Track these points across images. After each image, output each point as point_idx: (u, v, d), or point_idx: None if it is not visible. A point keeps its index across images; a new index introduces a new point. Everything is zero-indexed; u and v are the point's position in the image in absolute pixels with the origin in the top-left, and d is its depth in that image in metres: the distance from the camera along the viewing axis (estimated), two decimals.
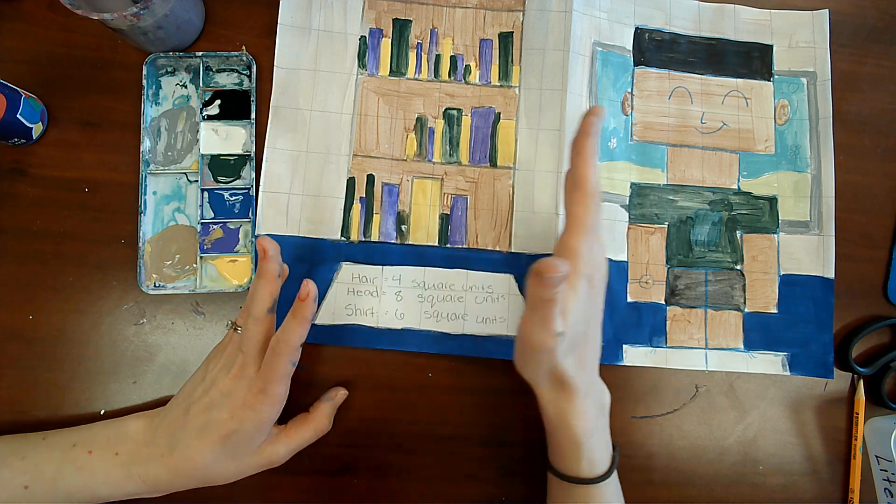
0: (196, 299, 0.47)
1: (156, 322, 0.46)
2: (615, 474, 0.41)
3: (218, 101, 0.48)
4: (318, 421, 0.44)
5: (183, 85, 0.48)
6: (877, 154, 0.52)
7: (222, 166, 0.47)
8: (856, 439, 0.49)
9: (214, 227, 0.47)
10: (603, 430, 0.41)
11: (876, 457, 0.49)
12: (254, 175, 0.47)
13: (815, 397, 0.50)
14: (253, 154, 0.47)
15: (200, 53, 0.47)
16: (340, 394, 0.45)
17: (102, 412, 0.45)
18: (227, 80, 0.48)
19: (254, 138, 0.47)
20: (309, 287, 0.38)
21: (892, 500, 0.48)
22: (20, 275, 0.45)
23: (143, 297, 0.46)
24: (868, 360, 0.50)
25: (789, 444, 0.49)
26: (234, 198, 0.47)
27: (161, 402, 0.45)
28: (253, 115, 0.47)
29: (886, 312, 0.51)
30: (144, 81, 0.46)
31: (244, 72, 0.48)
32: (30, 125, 0.44)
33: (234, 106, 0.48)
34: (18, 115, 0.43)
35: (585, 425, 0.39)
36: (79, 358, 0.45)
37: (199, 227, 0.46)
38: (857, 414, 0.49)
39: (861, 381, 0.50)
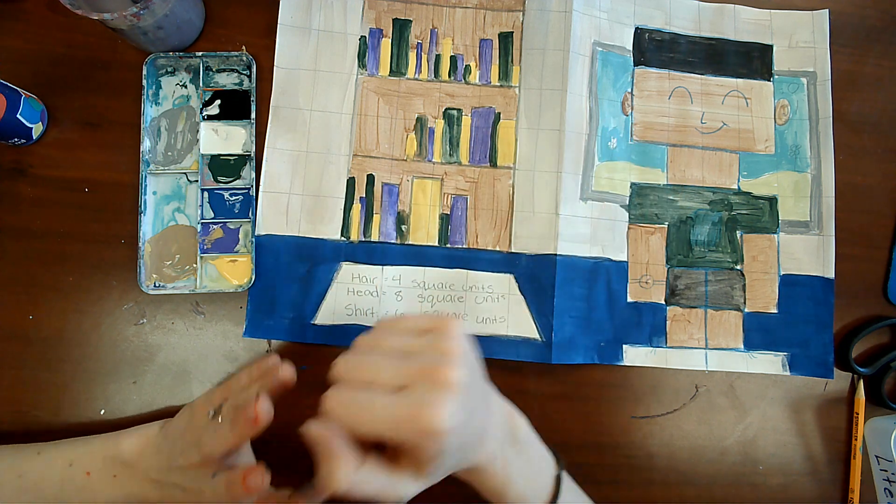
0: (196, 299, 0.47)
1: (156, 322, 0.46)
2: (568, 483, 0.37)
3: (218, 101, 0.48)
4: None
5: (183, 85, 0.48)
6: (877, 154, 0.52)
7: (222, 166, 0.47)
8: (856, 439, 0.49)
9: (214, 227, 0.47)
10: (517, 455, 0.35)
11: (876, 457, 0.49)
12: (254, 175, 0.47)
13: (815, 397, 0.50)
14: (253, 154, 0.47)
15: (200, 53, 0.47)
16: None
17: (102, 412, 0.45)
18: (227, 80, 0.48)
19: (254, 138, 0.47)
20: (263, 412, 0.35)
21: (892, 500, 0.48)
22: (20, 275, 0.45)
23: (143, 297, 0.46)
24: (868, 360, 0.50)
25: (789, 444, 0.49)
26: (234, 198, 0.47)
27: (160, 403, 0.45)
28: (253, 115, 0.47)
29: (886, 312, 0.51)
30: (144, 81, 0.46)
31: (244, 72, 0.48)
32: (30, 125, 0.44)
33: (234, 106, 0.48)
34: (18, 115, 0.43)
35: (494, 481, 0.34)
36: (79, 358, 0.45)
37: (199, 227, 0.46)
38: (857, 414, 0.49)
39: (861, 381, 0.50)
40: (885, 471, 0.48)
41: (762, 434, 0.49)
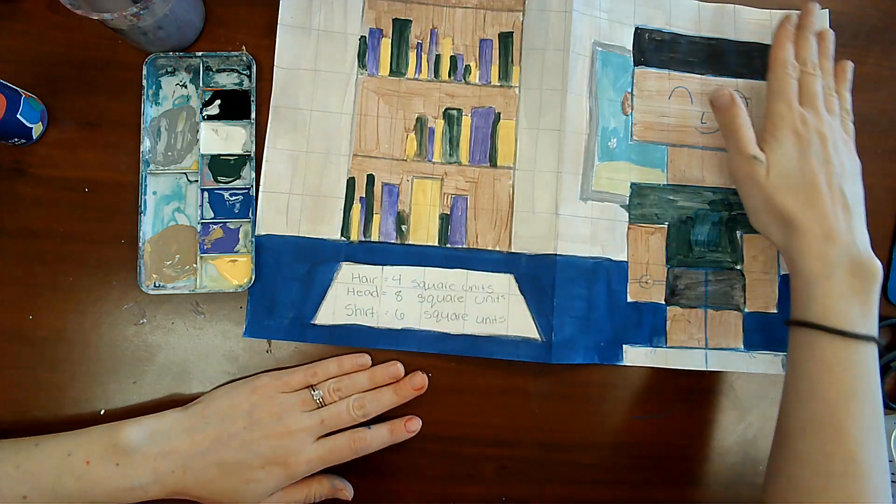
0: (196, 299, 0.47)
1: (156, 322, 0.46)
2: (868, 352, 0.38)
3: (218, 101, 0.48)
4: (314, 490, 0.44)
5: (183, 85, 0.48)
6: (877, 154, 0.52)
7: (222, 166, 0.47)
8: None
9: (214, 227, 0.47)
10: (852, 289, 0.39)
11: None
12: (254, 175, 0.47)
13: None
14: (253, 154, 0.47)
15: (200, 53, 0.47)
16: (343, 493, 0.45)
17: (102, 412, 0.45)
18: (227, 80, 0.48)
19: (254, 138, 0.47)
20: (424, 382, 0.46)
21: (893, 501, 0.48)
22: (20, 275, 0.45)
23: (143, 297, 0.46)
24: None
25: None
26: (234, 198, 0.47)
27: (161, 402, 0.45)
28: (253, 115, 0.47)
29: (886, 312, 0.51)
30: (144, 81, 0.46)
31: (244, 72, 0.48)
32: (30, 125, 0.44)
33: (234, 106, 0.48)
34: (18, 115, 0.43)
35: (816, 266, 0.39)
36: (79, 358, 0.45)
37: (199, 227, 0.46)
38: None
39: None
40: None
41: (762, 434, 0.49)
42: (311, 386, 0.44)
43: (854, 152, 0.45)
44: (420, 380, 0.46)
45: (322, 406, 0.43)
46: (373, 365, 0.46)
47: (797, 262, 0.41)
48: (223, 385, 0.45)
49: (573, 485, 0.48)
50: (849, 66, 0.48)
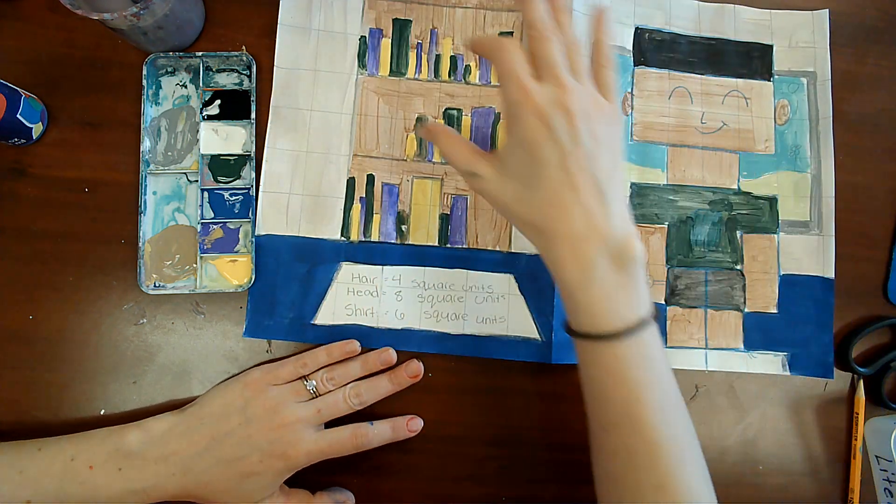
0: (196, 299, 0.47)
1: (156, 322, 0.46)
2: (645, 337, 0.35)
3: (218, 101, 0.48)
4: None
5: (183, 85, 0.48)
6: (877, 154, 0.52)
7: (222, 166, 0.47)
8: (856, 439, 0.49)
9: (214, 227, 0.47)
10: (615, 285, 0.35)
11: (876, 457, 0.49)
12: (254, 175, 0.47)
13: (815, 397, 0.50)
14: (253, 154, 0.47)
15: (200, 53, 0.47)
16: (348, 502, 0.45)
17: (102, 412, 0.45)
18: (227, 80, 0.48)
19: (254, 138, 0.47)
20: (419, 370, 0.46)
21: (892, 500, 0.48)
22: (20, 275, 0.45)
23: (143, 297, 0.46)
24: (868, 360, 0.50)
25: (789, 444, 0.49)
26: (234, 198, 0.47)
27: (161, 402, 0.45)
28: (253, 115, 0.47)
29: (886, 312, 0.51)
30: (144, 81, 0.46)
31: (244, 72, 0.48)
32: (30, 125, 0.44)
33: (234, 106, 0.48)
34: (18, 115, 0.43)
35: (574, 275, 0.35)
36: (79, 358, 0.45)
37: (199, 227, 0.46)
38: (857, 414, 0.49)
39: (861, 381, 0.50)
40: (885, 471, 0.48)
41: (762, 434, 0.49)
42: (304, 377, 0.44)
43: (611, 111, 0.37)
44: (415, 367, 0.46)
45: (317, 396, 0.43)
46: (363, 352, 0.46)
47: (556, 273, 0.36)
48: (217, 385, 0.45)
49: (573, 485, 0.48)
50: (603, 11, 0.40)
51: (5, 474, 0.39)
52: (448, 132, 0.40)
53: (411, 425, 0.45)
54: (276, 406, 0.42)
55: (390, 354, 0.46)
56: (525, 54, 0.36)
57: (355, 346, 0.46)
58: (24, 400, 0.45)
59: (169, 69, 0.48)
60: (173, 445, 0.40)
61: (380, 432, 0.44)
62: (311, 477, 0.43)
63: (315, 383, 0.43)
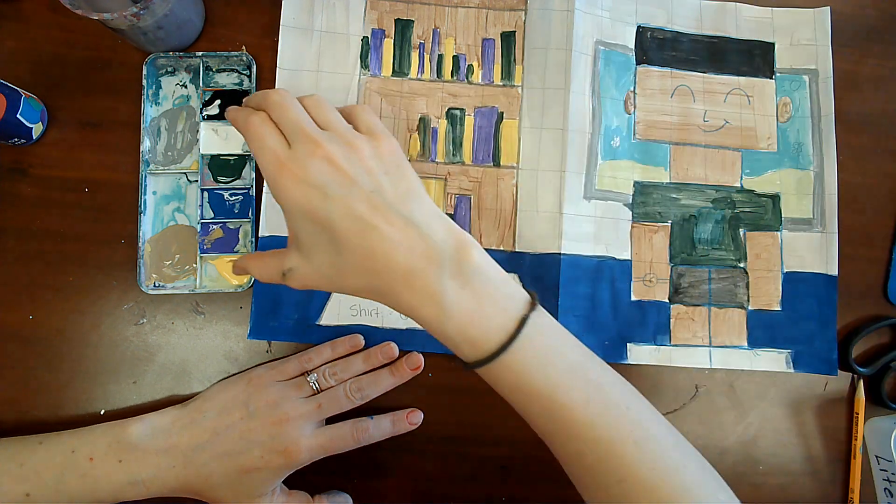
0: (196, 299, 0.46)
1: (156, 322, 0.46)
2: (532, 333, 0.33)
3: (218, 101, 0.47)
4: None
5: (183, 85, 0.48)
6: (877, 154, 0.52)
7: (222, 166, 0.47)
8: (856, 439, 0.49)
9: (214, 227, 0.47)
10: (474, 299, 0.32)
11: (876, 457, 0.49)
12: (254, 175, 0.47)
13: (815, 397, 0.50)
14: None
15: (200, 53, 0.47)
16: None
17: (102, 412, 0.45)
18: (227, 80, 0.48)
19: None
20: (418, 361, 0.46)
21: (892, 500, 0.48)
22: (20, 275, 0.45)
23: (143, 297, 0.46)
24: (868, 360, 0.50)
25: (789, 444, 0.49)
26: (233, 198, 0.47)
27: (161, 403, 0.45)
28: None
29: (886, 312, 0.51)
30: (144, 81, 0.46)
31: (244, 72, 0.48)
32: (30, 125, 0.44)
33: (233, 106, 0.47)
34: (18, 115, 0.43)
35: (429, 313, 0.32)
36: (79, 358, 0.45)
37: (198, 227, 0.46)
38: (857, 414, 0.49)
39: (861, 381, 0.50)
40: (885, 471, 0.48)
41: (762, 434, 0.49)
42: (307, 372, 0.44)
43: (370, 138, 0.35)
44: (416, 359, 0.46)
45: (319, 392, 0.43)
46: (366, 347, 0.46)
47: (414, 318, 0.33)
48: (221, 380, 0.45)
49: (573, 485, 0.48)
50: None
51: (5, 467, 0.39)
52: (250, 259, 0.38)
53: (412, 418, 0.45)
54: (277, 401, 0.41)
55: (392, 348, 0.46)
56: (272, 126, 0.34)
57: (359, 340, 0.46)
58: (24, 399, 0.44)
59: (169, 69, 0.48)
60: (174, 438, 0.41)
61: (380, 426, 0.44)
62: (310, 478, 0.43)
63: (316, 377, 0.43)
